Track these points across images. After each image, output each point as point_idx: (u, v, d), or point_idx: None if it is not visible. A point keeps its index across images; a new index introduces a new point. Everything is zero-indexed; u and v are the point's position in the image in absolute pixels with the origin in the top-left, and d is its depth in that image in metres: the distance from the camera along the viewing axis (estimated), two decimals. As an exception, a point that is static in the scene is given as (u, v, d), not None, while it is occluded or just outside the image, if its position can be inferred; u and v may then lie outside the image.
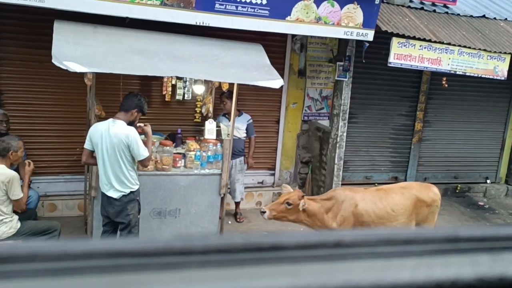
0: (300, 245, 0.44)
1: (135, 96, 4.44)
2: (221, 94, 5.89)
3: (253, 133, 6.23)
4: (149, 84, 6.18)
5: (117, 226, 4.48)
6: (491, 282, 0.43)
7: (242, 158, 6.19)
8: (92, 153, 4.35)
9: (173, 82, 5.30)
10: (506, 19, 7.59)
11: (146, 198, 4.82)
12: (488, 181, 8.79)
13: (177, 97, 5.40)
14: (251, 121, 6.19)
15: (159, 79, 5.51)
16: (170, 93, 5.45)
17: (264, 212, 4.46)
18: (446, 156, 8.44)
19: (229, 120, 5.97)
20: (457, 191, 8.39)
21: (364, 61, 6.10)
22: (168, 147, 5.08)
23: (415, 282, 0.42)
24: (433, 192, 4.95)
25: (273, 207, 4.49)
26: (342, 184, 6.84)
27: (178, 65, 4.73)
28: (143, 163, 4.29)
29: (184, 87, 5.31)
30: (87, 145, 4.34)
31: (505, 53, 6.53)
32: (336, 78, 6.68)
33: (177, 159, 5.13)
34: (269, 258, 0.44)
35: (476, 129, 8.51)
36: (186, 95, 5.38)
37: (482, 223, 7.38)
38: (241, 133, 6.08)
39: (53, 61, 4.03)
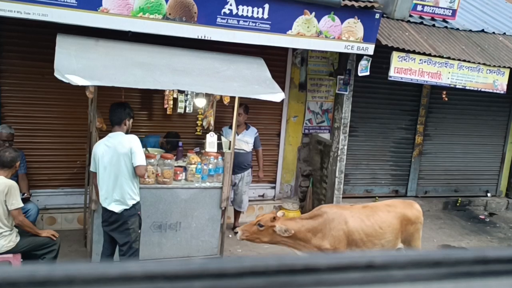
0: (333, 267, 0.43)
1: (121, 106, 4.46)
2: (239, 106, 5.94)
3: (259, 146, 6.33)
4: (150, 97, 6.20)
5: (117, 241, 4.45)
6: None
7: (249, 170, 6.28)
8: None
9: (175, 95, 5.31)
10: (504, 33, 7.65)
11: (146, 211, 4.79)
12: (489, 194, 8.77)
13: (179, 110, 5.41)
14: (257, 134, 6.28)
15: (161, 92, 5.52)
16: (171, 106, 5.45)
17: (236, 233, 4.49)
18: (446, 170, 8.43)
19: (238, 134, 6.02)
20: (457, 204, 8.37)
21: (368, 74, 6.11)
22: (169, 160, 5.07)
23: None
24: (416, 209, 4.93)
25: (245, 228, 4.55)
26: (343, 198, 6.82)
27: (180, 78, 4.75)
28: (139, 170, 4.27)
29: (186, 100, 5.31)
30: (92, 168, 4.37)
31: (504, 67, 6.57)
32: (337, 91, 6.70)
33: (178, 172, 5.11)
34: (303, 281, 0.43)
35: (476, 143, 8.52)
36: (187, 108, 5.39)
37: (483, 237, 7.35)
38: (250, 147, 6.16)
39: (55, 74, 4.04)
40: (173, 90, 5.23)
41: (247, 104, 6.03)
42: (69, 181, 6.13)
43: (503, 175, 8.85)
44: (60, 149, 6.02)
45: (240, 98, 5.11)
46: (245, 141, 6.13)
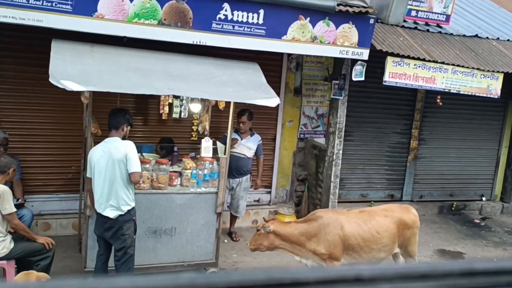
0: (321, 280, 0.43)
1: (121, 112, 4.50)
2: (239, 113, 5.96)
3: (261, 153, 6.37)
4: (145, 102, 6.19)
5: (112, 246, 4.43)
6: None
7: (248, 176, 6.29)
8: None
9: (170, 101, 5.31)
10: (498, 38, 7.70)
11: (141, 216, 4.78)
12: (484, 198, 8.81)
13: (174, 115, 5.41)
14: (261, 142, 6.32)
15: (156, 97, 5.52)
16: (167, 111, 5.46)
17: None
18: (441, 174, 8.46)
19: (242, 138, 6.06)
20: (452, 208, 8.40)
21: (363, 79, 6.14)
22: (164, 166, 5.06)
23: None
24: (412, 214, 4.95)
25: (251, 239, 4.70)
26: (338, 202, 6.83)
27: (175, 84, 4.75)
28: (134, 177, 4.26)
29: (181, 106, 5.32)
30: (88, 173, 4.36)
31: (498, 72, 6.61)
32: (332, 96, 6.72)
33: (173, 177, 5.11)
34: None
35: (471, 147, 8.56)
36: (182, 113, 5.39)
37: (478, 241, 7.37)
38: (251, 153, 6.18)
39: (50, 79, 4.04)
40: (168, 96, 5.24)
41: (251, 110, 6.04)
42: (64, 186, 6.11)
43: (498, 179, 8.89)
44: (55, 154, 6.01)
45: (237, 103, 5.12)
46: (248, 146, 6.15)
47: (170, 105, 5.41)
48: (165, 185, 5.02)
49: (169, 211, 5.04)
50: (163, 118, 5.58)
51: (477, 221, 8.25)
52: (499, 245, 7.35)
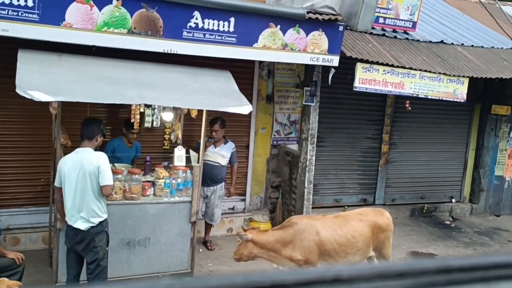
0: (300, 282, 0.44)
1: (95, 122, 4.43)
2: (211, 122, 5.93)
3: (235, 161, 6.36)
4: (116, 112, 6.11)
5: (83, 259, 4.34)
6: None
7: (223, 184, 6.26)
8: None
9: (142, 110, 5.26)
10: (462, 44, 7.94)
11: (114, 228, 4.70)
12: (453, 200, 9.02)
13: (146, 125, 5.35)
14: (235, 150, 6.31)
15: (127, 107, 5.45)
16: (138, 120, 5.40)
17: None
18: (412, 177, 8.63)
19: (215, 147, 6.03)
20: (424, 211, 8.56)
21: (330, 84, 6.22)
22: (136, 175, 5.00)
23: None
24: (386, 217, 5.04)
25: (235, 250, 4.73)
26: (312, 208, 6.88)
27: (146, 92, 4.71)
28: (106, 190, 4.20)
29: (153, 114, 5.26)
30: (57, 183, 4.26)
31: (463, 76, 6.81)
32: (304, 103, 6.78)
33: (146, 187, 5.05)
34: None
35: (440, 150, 8.77)
36: (154, 122, 5.34)
37: (449, 242, 7.53)
38: (225, 161, 6.17)
39: (17, 90, 3.95)
40: (139, 105, 5.18)
41: (223, 118, 6.03)
42: (33, 199, 5.95)
43: (466, 181, 9.12)
44: (23, 166, 5.85)
45: (209, 111, 5.11)
46: (222, 154, 6.13)
47: (142, 114, 5.35)
48: (138, 195, 4.96)
49: (142, 221, 4.97)
50: (135, 127, 5.51)
51: (448, 222, 8.44)
52: (469, 245, 7.53)
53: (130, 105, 5.31)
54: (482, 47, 8.02)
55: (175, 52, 5.04)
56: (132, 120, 5.42)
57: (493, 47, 8.13)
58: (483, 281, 0.45)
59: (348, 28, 6.36)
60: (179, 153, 5.33)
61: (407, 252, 6.98)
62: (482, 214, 8.96)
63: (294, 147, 7.27)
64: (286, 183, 7.21)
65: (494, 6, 10.25)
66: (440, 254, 7.03)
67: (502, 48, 8.20)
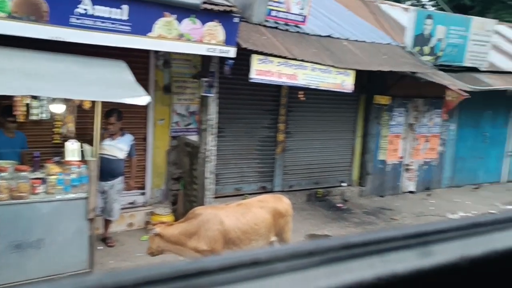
0: (224, 267, 0.46)
1: None
2: (106, 114, 5.65)
3: (134, 154, 6.18)
4: (-2, 105, 5.59)
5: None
6: (387, 279, 0.50)
7: (121, 178, 6.08)
8: None
9: (28, 101, 4.87)
10: (348, 38, 8.52)
11: (1, 230, 4.33)
12: (344, 184, 9.68)
13: (32, 117, 4.97)
14: (134, 142, 6.12)
15: (10, 98, 5.02)
16: (24, 112, 4.99)
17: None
18: (307, 164, 9.09)
19: (112, 140, 5.79)
20: (317, 195, 9.08)
21: (227, 75, 6.31)
22: (24, 173, 4.64)
23: None
24: (285, 203, 5.29)
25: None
26: (214, 198, 6.94)
27: (34, 83, 4.38)
28: None
29: (42, 106, 4.91)
30: None
31: (350, 69, 7.33)
32: (202, 94, 6.80)
33: (36, 184, 4.71)
34: (198, 284, 0.45)
35: (331, 138, 9.35)
36: (44, 115, 4.98)
37: (342, 223, 8.08)
38: (123, 154, 5.95)
39: None
40: (25, 96, 4.80)
41: (120, 110, 5.80)
42: None
43: (354, 166, 9.84)
44: None
45: (104, 103, 4.89)
46: (119, 147, 5.91)
47: (28, 106, 4.96)
48: (26, 194, 4.61)
49: (34, 221, 4.63)
50: (21, 120, 5.09)
51: (340, 205, 9.04)
52: (359, 225, 8.16)
53: (14, 97, 4.91)
54: (365, 41, 8.67)
55: (63, 40, 4.75)
56: (15, 113, 5.00)
57: (374, 42, 8.83)
58: (377, 253, 0.53)
59: (243, 20, 6.48)
60: (72, 147, 5.05)
61: (306, 235, 7.36)
62: (369, 196, 9.75)
63: (194, 138, 7.26)
64: (187, 174, 7.18)
65: (373, 4, 11.14)
66: (334, 234, 7.51)
67: (381, 43, 8.94)
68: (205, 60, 6.77)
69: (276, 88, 8.09)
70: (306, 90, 7.40)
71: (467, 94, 8.27)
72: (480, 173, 11.43)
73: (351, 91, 7.56)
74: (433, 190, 10.58)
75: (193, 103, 7.28)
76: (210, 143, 6.78)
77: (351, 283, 0.49)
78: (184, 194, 7.22)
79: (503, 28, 12.77)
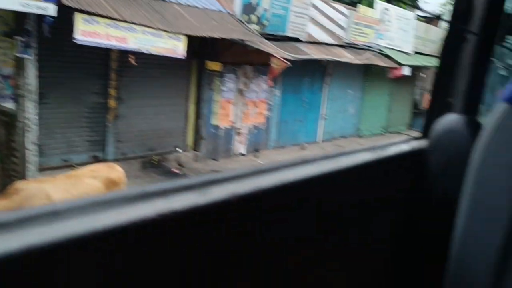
0: (20, 220, 0.50)
1: None
2: None
3: None
4: None
5: None
6: (165, 215, 0.60)
7: None
8: None
9: None
10: (179, 3, 8.44)
11: None
12: (179, 150, 9.78)
13: None
14: None
15: None
16: None
17: None
18: (142, 131, 8.92)
19: None
20: (153, 162, 9.03)
21: (49, 36, 5.73)
22: None
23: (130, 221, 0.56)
24: (118, 171, 5.21)
25: None
26: (40, 171, 6.38)
27: None
28: None
29: None
30: None
31: (181, 33, 7.31)
32: (16, 54, 6.05)
33: None
34: None
35: (165, 104, 9.29)
36: None
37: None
38: None
39: None
40: None
41: None
42: None
43: (189, 131, 9.99)
44: None
45: None
46: None
47: None
48: None
49: None
50: None
51: (175, 170, 9.14)
52: (194, 188, 8.40)
53: None
54: (196, 7, 8.71)
55: None
56: None
57: (205, 8, 8.93)
58: (162, 195, 0.63)
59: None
60: None
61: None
62: (204, 160, 10.05)
63: (9, 105, 6.46)
64: (4, 146, 6.42)
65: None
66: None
67: (213, 10, 9.09)
68: (20, 16, 6.01)
69: (105, 51, 7.64)
70: (138, 54, 7.17)
71: (289, 63, 9.01)
72: (301, 134, 12.67)
73: (183, 57, 7.58)
74: (261, 151, 11.40)
75: (6, 65, 6.43)
76: (30, 110, 6.14)
77: (144, 218, 0.58)
78: (2, 168, 6.46)
79: (319, 2, 14.10)
